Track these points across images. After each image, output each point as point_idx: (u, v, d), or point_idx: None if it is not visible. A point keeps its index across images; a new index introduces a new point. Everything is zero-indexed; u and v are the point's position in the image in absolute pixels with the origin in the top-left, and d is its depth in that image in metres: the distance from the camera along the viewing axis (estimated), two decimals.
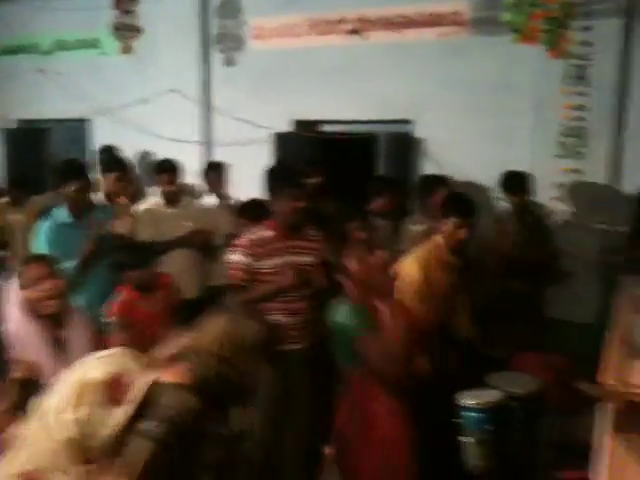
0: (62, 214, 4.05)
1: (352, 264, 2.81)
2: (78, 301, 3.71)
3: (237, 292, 3.51)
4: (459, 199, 3.75)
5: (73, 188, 3.97)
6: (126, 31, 6.37)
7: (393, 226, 4.92)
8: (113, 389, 1.65)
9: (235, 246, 3.59)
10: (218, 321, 1.92)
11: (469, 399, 3.21)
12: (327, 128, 6.28)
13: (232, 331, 1.88)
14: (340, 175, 5.51)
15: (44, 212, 4.89)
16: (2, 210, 5.69)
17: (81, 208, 4.05)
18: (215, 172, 5.46)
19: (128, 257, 3.52)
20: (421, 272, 3.51)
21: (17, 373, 2.22)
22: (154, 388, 1.69)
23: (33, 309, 2.51)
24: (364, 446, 2.79)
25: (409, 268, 3.53)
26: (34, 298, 2.50)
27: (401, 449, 2.82)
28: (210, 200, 5.43)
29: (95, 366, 1.71)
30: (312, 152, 5.97)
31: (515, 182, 4.72)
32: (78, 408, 1.64)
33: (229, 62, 6.49)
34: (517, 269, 4.38)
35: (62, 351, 2.52)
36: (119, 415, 1.63)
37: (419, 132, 5.65)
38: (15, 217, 5.58)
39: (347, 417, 2.84)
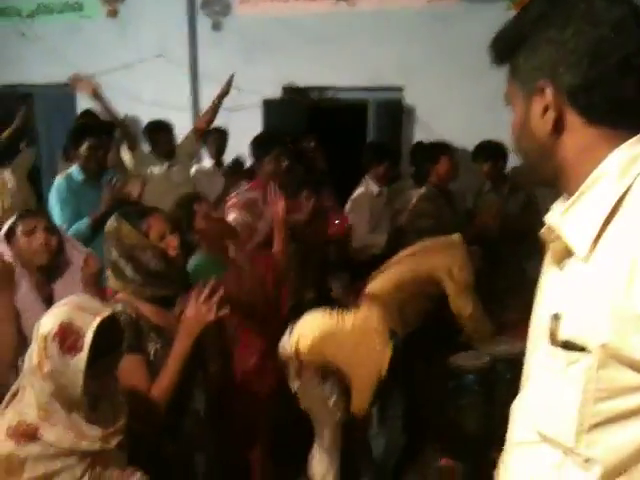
0: (75, 173, 4.08)
1: (198, 221, 2.93)
2: None
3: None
4: None
5: (86, 146, 3.98)
6: None
7: (388, 192, 4.96)
8: (64, 338, 1.66)
9: (232, 206, 3.60)
10: None
11: (460, 361, 3.28)
12: (317, 95, 6.22)
13: None
14: (330, 142, 5.53)
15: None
16: None
17: (94, 168, 4.07)
18: (215, 137, 5.47)
19: None
20: None
21: None
22: (105, 326, 1.70)
23: (24, 261, 2.50)
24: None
25: None
26: (26, 249, 2.50)
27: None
28: (205, 164, 5.48)
29: (47, 318, 1.72)
30: (302, 119, 5.96)
31: (483, 151, 4.76)
32: (43, 363, 1.68)
33: (216, 27, 6.39)
34: (499, 238, 4.41)
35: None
36: (78, 363, 1.65)
37: (409, 99, 5.64)
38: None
39: None
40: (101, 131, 4.19)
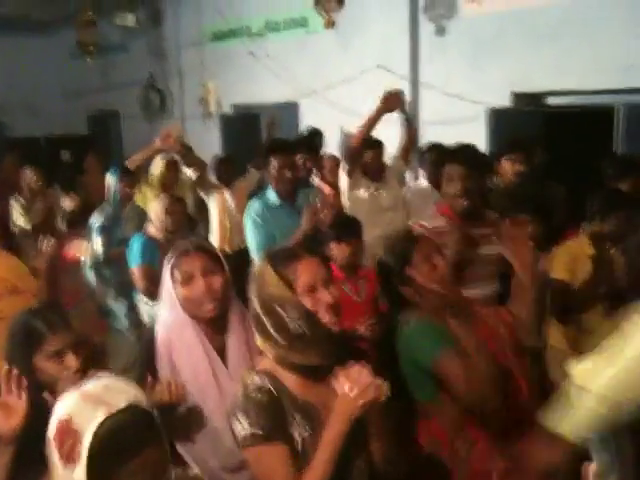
0: (270, 195, 3.87)
1: (417, 272, 2.14)
2: None
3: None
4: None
5: (273, 166, 3.77)
6: (326, 3, 5.99)
7: (633, 214, 4.09)
8: (61, 443, 1.27)
9: None
10: None
11: None
12: (552, 101, 5.53)
13: None
14: (568, 155, 4.83)
15: (253, 192, 4.99)
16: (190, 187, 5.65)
17: (287, 188, 3.83)
18: (431, 154, 4.94)
19: None
20: None
21: (156, 395, 1.86)
22: (104, 430, 1.26)
23: (188, 311, 2.03)
24: None
25: None
26: (187, 298, 2.01)
27: None
28: (421, 184, 4.95)
29: (54, 411, 1.33)
30: (534, 129, 5.27)
31: None
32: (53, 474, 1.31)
33: (440, 31, 5.89)
34: None
35: (223, 362, 2.05)
36: (76, 477, 1.25)
37: None
38: (221, 197, 5.55)
39: None
40: (288, 150, 3.93)
